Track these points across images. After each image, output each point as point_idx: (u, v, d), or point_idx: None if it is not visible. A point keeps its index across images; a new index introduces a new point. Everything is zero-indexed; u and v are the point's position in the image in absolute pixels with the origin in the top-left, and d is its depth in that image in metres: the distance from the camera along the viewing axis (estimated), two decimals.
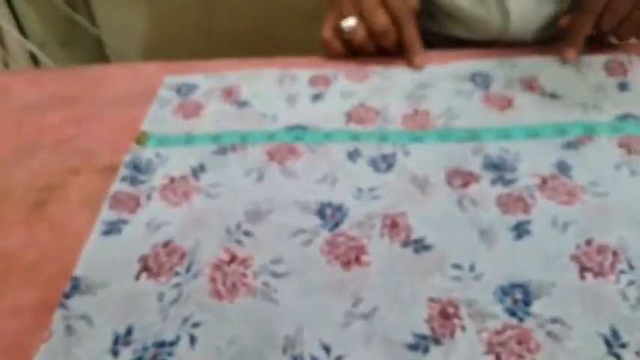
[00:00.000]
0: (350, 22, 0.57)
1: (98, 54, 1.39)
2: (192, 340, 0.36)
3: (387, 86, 0.56)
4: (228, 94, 0.56)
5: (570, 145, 0.47)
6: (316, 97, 0.55)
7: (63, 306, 0.38)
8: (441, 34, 0.70)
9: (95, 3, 1.30)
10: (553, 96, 0.53)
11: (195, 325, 0.36)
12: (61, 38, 1.26)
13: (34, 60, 1.15)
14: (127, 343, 0.36)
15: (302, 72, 0.58)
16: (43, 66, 1.14)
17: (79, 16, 1.26)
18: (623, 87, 0.54)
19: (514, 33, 0.65)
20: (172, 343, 0.36)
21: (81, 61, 1.31)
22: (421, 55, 0.58)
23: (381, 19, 0.56)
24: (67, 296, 0.39)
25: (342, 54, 0.60)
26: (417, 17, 0.59)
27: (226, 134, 0.51)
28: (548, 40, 0.65)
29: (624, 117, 0.50)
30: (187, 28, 1.14)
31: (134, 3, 1.29)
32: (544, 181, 0.44)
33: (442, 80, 0.56)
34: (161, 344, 0.36)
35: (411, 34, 0.58)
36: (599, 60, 0.57)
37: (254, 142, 0.50)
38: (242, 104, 0.55)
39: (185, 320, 0.37)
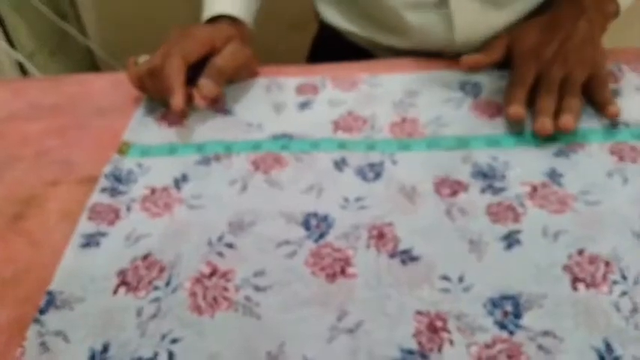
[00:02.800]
0: (146, 57, 0.55)
1: (88, 64, 1.38)
2: (171, 356, 0.34)
3: (376, 94, 0.55)
4: (214, 102, 0.55)
5: (561, 153, 0.47)
6: (303, 106, 0.54)
7: (37, 322, 0.37)
8: (387, 47, 0.67)
9: (85, 12, 1.30)
10: None
11: (174, 341, 0.35)
12: (51, 48, 1.25)
13: (23, 70, 1.14)
14: None
15: (289, 80, 0.57)
16: (31, 76, 1.12)
17: (69, 26, 1.25)
18: (614, 94, 0.53)
19: (460, 44, 0.60)
20: None
21: (70, 71, 1.30)
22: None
23: (154, 57, 0.53)
24: (42, 312, 0.37)
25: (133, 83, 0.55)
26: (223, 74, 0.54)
27: (210, 144, 0.50)
28: None
29: (616, 124, 0.49)
30: None
31: (124, 12, 1.28)
32: (534, 189, 0.43)
33: (431, 88, 0.55)
34: None
35: (168, 71, 0.51)
36: None
37: (239, 152, 0.49)
38: (227, 113, 0.54)
39: (164, 336, 0.35)
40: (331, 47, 0.74)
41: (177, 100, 0.49)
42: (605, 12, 0.55)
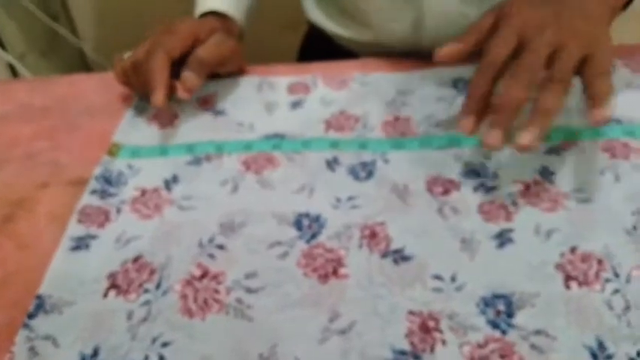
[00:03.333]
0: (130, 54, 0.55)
1: (79, 64, 1.37)
2: None
3: (367, 93, 0.55)
4: (204, 102, 0.55)
5: (553, 151, 0.46)
6: (295, 105, 0.54)
7: (26, 326, 0.36)
8: (364, 43, 0.66)
9: (76, 13, 1.29)
10: (535, 100, 0.52)
11: (165, 344, 0.35)
12: (42, 49, 1.24)
13: (13, 72, 1.14)
14: None
15: (280, 79, 0.57)
16: (22, 77, 1.12)
17: (60, 27, 1.25)
18: None
19: (430, 35, 0.58)
20: None
21: (62, 71, 1.29)
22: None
23: (137, 51, 0.53)
24: (30, 316, 0.37)
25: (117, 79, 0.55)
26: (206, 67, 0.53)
27: (201, 144, 0.50)
28: None
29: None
30: None
31: (116, 13, 1.27)
32: (526, 187, 0.43)
33: (423, 86, 0.55)
34: None
35: (152, 66, 0.50)
36: None
37: (230, 152, 0.49)
38: (218, 113, 0.53)
39: (154, 340, 0.35)
40: (319, 48, 0.74)
41: (157, 96, 0.49)
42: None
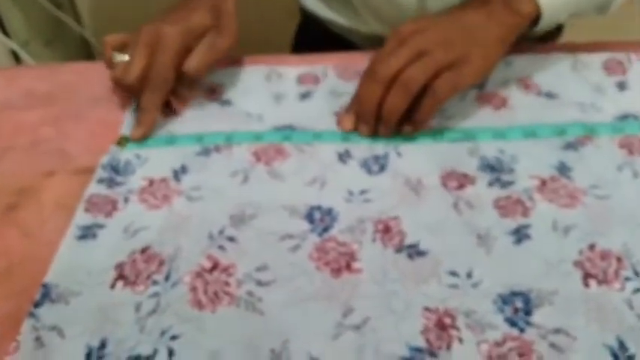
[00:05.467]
0: (124, 57, 0.51)
1: (84, 53, 1.36)
2: (171, 353, 0.33)
3: None
4: (212, 92, 0.54)
5: (570, 146, 0.46)
6: (304, 96, 0.53)
7: (32, 316, 0.35)
8: (364, 34, 0.65)
9: (80, 1, 1.27)
10: (549, 95, 0.51)
11: (174, 337, 0.34)
12: (46, 37, 1.23)
13: (17, 59, 1.12)
14: (100, 357, 0.33)
15: (289, 70, 0.56)
16: (26, 64, 1.10)
17: (64, 15, 1.23)
18: (622, 86, 0.52)
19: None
20: (149, 357, 0.33)
21: (66, 60, 1.28)
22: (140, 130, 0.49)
23: (131, 70, 0.48)
24: (36, 305, 0.36)
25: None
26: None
27: (210, 134, 0.49)
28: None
29: (624, 117, 0.48)
30: None
31: (120, 2, 1.26)
32: (543, 183, 0.42)
33: None
34: (137, 358, 0.33)
35: (147, 101, 0.49)
36: (597, 59, 0.55)
37: (239, 143, 0.48)
38: (225, 103, 0.52)
39: (163, 332, 0.34)
40: (313, 38, 0.73)
41: (138, 133, 0.49)
42: (518, 11, 0.48)
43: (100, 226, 0.41)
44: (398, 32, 0.48)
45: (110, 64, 0.53)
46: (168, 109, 0.52)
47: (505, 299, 0.35)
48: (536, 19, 0.49)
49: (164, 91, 0.49)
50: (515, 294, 0.35)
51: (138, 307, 0.36)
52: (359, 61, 0.57)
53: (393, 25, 0.59)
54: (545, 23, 0.49)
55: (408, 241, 0.39)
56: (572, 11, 0.52)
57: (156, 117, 0.50)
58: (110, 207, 0.42)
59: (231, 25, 0.51)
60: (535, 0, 0.48)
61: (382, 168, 0.45)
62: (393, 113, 0.46)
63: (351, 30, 0.66)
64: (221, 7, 0.51)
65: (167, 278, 0.37)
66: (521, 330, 0.33)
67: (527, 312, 0.34)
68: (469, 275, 0.36)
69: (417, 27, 0.47)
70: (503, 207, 0.41)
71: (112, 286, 0.37)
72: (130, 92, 0.52)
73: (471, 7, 0.50)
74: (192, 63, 0.49)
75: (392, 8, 0.60)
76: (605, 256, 0.37)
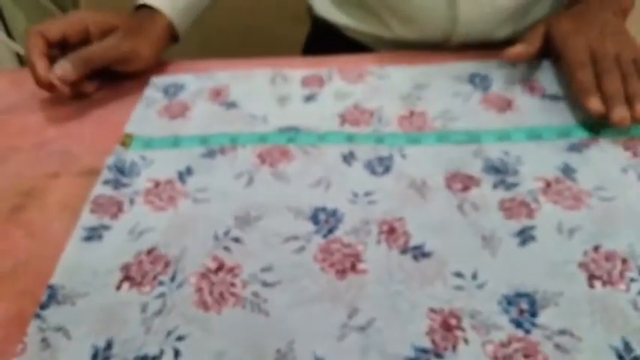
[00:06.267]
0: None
1: None
2: (177, 354, 0.33)
3: (382, 87, 0.54)
4: (217, 94, 0.54)
5: (574, 148, 0.46)
6: (309, 98, 0.53)
7: (38, 317, 0.36)
8: (386, 39, 0.66)
9: (84, 4, 1.28)
10: (554, 98, 0.51)
11: (180, 338, 0.34)
12: None
13: (21, 61, 1.13)
14: (106, 358, 0.33)
15: (294, 72, 0.56)
16: None
17: None
18: None
19: (464, 26, 0.60)
20: (155, 358, 0.33)
21: None
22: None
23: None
24: (43, 306, 0.36)
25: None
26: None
27: (215, 136, 0.49)
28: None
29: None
30: None
31: (123, 5, 1.26)
32: (548, 184, 0.42)
33: (439, 81, 0.54)
34: (143, 359, 0.33)
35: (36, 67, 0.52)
36: None
37: (244, 145, 0.48)
38: (230, 105, 0.53)
39: (169, 333, 0.34)
40: (326, 46, 0.73)
41: (39, 70, 0.51)
42: (623, 6, 0.55)
43: (106, 228, 0.41)
44: (580, 37, 0.51)
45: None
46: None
47: (510, 300, 0.35)
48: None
49: (45, 36, 0.52)
50: (520, 295, 0.35)
51: (144, 308, 0.36)
52: (363, 63, 0.57)
53: (421, 30, 0.60)
54: None
55: (413, 242, 0.39)
56: None
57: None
58: (116, 209, 0.42)
59: (138, 60, 0.56)
60: None
61: (387, 169, 0.45)
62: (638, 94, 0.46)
63: (372, 36, 0.66)
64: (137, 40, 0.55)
65: (173, 279, 0.37)
66: (527, 331, 0.33)
67: (533, 313, 0.34)
68: (474, 276, 0.36)
69: (588, 40, 0.50)
70: (508, 209, 0.41)
71: (118, 287, 0.37)
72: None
73: (599, 10, 0.54)
74: (90, 49, 0.53)
75: (421, 13, 0.61)
76: (609, 257, 0.37)
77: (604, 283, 0.36)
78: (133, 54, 0.55)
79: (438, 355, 0.33)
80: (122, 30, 0.55)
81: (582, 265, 0.37)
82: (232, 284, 0.37)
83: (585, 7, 0.55)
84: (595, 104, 0.46)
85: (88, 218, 0.42)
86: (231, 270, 0.38)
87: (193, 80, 0.56)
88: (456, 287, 0.36)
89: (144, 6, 0.59)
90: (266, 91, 0.54)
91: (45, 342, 0.34)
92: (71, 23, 0.54)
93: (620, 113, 0.45)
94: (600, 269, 0.36)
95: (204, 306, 0.36)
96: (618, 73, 0.47)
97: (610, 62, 0.48)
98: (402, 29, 0.63)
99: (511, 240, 0.38)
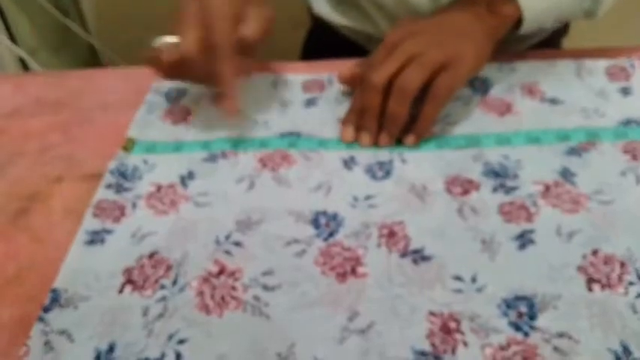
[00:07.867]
0: (167, 39, 0.47)
1: (90, 60, 1.37)
2: (178, 357, 0.34)
3: None
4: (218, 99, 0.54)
5: (573, 152, 0.46)
6: (309, 103, 0.53)
7: (42, 320, 0.36)
8: (380, 39, 0.65)
9: (87, 9, 1.29)
10: (553, 101, 0.52)
11: (182, 341, 0.34)
12: (53, 44, 1.24)
13: (25, 66, 1.13)
14: None
15: (295, 77, 0.57)
16: (34, 71, 1.12)
17: (71, 22, 1.25)
18: (625, 92, 0.52)
19: None
20: None
21: (73, 67, 1.29)
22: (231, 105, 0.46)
23: (187, 42, 0.45)
24: (46, 310, 0.36)
25: (162, 74, 0.49)
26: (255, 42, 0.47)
27: (217, 141, 0.49)
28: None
29: (627, 122, 0.49)
30: None
31: (126, 9, 1.27)
32: (547, 188, 0.43)
33: None
34: None
35: (224, 72, 0.45)
36: (600, 65, 0.55)
37: (246, 149, 0.48)
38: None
39: (171, 336, 0.35)
40: (324, 44, 0.73)
41: (232, 105, 0.46)
42: (499, 12, 0.50)
43: (109, 232, 0.41)
44: (387, 39, 0.48)
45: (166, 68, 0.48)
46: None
47: (509, 304, 0.35)
48: (519, 22, 0.51)
49: (232, 59, 0.45)
50: (519, 298, 0.35)
51: (146, 312, 0.36)
52: None
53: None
54: (528, 26, 0.51)
55: (413, 246, 0.39)
56: (556, 16, 0.53)
57: (237, 85, 0.46)
58: (118, 213, 0.43)
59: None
60: (517, 3, 0.49)
61: (387, 174, 0.45)
62: (396, 120, 0.46)
63: (362, 33, 0.67)
64: None
65: (174, 283, 0.37)
66: (526, 334, 0.34)
67: (532, 316, 0.34)
68: (474, 280, 0.37)
69: (406, 31, 0.48)
70: (508, 212, 0.41)
71: (120, 290, 0.37)
72: (178, 75, 0.49)
73: (457, 8, 0.51)
74: (249, 28, 0.46)
75: (404, 9, 0.60)
76: (608, 260, 0.37)
77: (602, 287, 0.36)
78: (272, 15, 0.49)
79: (437, 357, 0.33)
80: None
81: (581, 269, 0.37)
82: (233, 288, 0.37)
83: (447, 6, 0.52)
84: (344, 133, 0.48)
85: (90, 222, 0.42)
86: (232, 274, 0.38)
87: (194, 85, 0.56)
88: (456, 291, 0.36)
89: None
90: (267, 95, 0.55)
91: (48, 345, 0.35)
92: (231, 20, 0.46)
93: (348, 135, 0.48)
94: (599, 273, 0.37)
95: (206, 309, 0.36)
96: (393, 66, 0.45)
97: (395, 56, 0.45)
98: (388, 26, 0.63)
99: (510, 244, 0.39)
